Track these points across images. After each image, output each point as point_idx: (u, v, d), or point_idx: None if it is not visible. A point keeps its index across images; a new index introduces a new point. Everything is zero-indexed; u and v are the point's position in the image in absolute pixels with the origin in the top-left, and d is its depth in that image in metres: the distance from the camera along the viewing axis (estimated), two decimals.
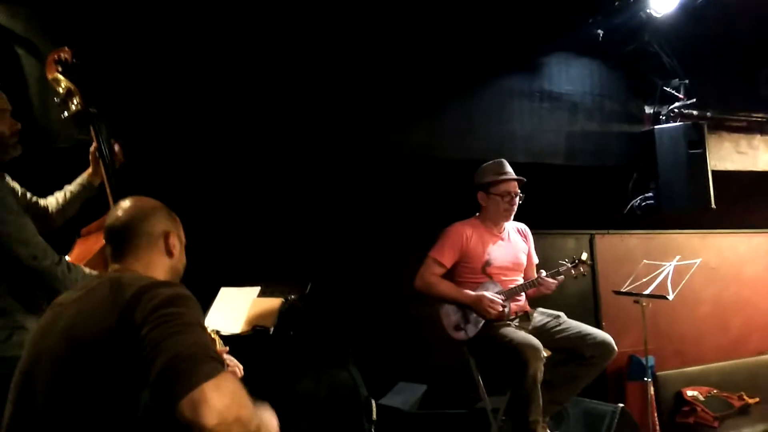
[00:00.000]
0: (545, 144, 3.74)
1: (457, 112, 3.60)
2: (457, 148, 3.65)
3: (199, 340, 1.07)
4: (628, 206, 3.91)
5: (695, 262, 3.33)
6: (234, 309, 2.77)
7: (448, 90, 3.53)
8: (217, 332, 2.27)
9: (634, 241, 4.52)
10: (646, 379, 3.73)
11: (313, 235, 3.58)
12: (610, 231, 4.43)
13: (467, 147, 3.65)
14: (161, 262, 1.38)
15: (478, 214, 3.10)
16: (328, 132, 3.35)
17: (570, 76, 3.73)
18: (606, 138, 3.88)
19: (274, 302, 2.73)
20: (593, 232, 4.36)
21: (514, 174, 3.00)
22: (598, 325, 4.23)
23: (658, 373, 4.19)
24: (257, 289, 2.79)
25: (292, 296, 2.74)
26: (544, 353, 2.68)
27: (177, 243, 1.42)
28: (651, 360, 4.17)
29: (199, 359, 1.02)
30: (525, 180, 3.01)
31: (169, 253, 1.40)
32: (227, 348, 1.94)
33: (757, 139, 4.44)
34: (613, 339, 4.05)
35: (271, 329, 2.57)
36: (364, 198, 3.69)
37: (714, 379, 4.38)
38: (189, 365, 1.01)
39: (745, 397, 4.15)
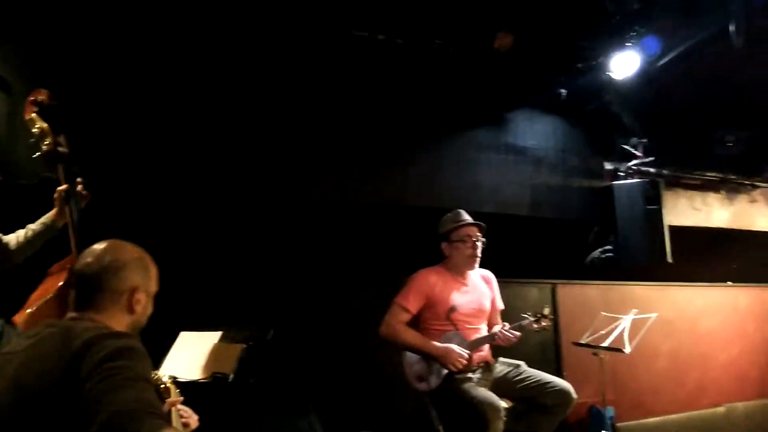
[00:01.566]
0: (510, 195, 3.84)
1: (427, 163, 3.70)
2: (427, 197, 3.73)
3: (142, 396, 1.06)
4: (589, 258, 4.01)
5: (652, 317, 3.40)
6: (193, 354, 2.70)
7: (420, 141, 3.64)
8: (174, 379, 2.21)
9: (594, 291, 4.61)
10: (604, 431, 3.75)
11: (279, 279, 3.55)
12: (572, 281, 4.52)
13: (436, 196, 3.73)
14: (121, 318, 1.37)
15: (443, 262, 3.15)
16: (298, 176, 3.39)
17: (535, 132, 3.89)
18: (568, 192, 4.02)
19: (234, 348, 2.68)
20: (555, 282, 4.44)
21: (472, 220, 3.07)
22: (559, 375, 4.26)
23: (618, 425, 4.22)
24: (218, 334, 2.74)
25: (252, 342, 2.70)
26: (505, 406, 2.68)
27: (143, 298, 1.41)
28: (610, 411, 4.22)
29: (140, 416, 1.02)
30: (484, 225, 3.08)
31: (131, 309, 1.38)
32: (182, 398, 1.89)
33: (711, 197, 4.66)
34: (574, 389, 4.10)
35: (231, 376, 2.52)
36: (332, 243, 3.71)
37: (671, 431, 4.45)
38: (129, 422, 1.00)
39: None
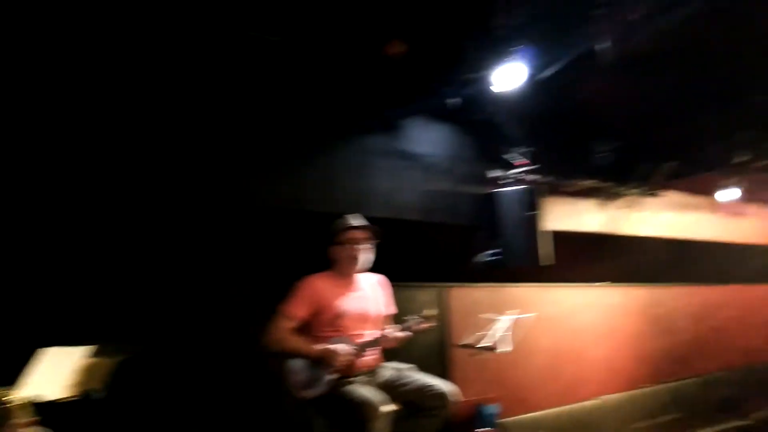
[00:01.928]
0: (403, 200, 3.89)
1: (323, 168, 3.65)
2: (323, 202, 3.67)
3: None
4: (476, 261, 4.15)
5: (529, 316, 3.59)
6: (57, 372, 2.47)
7: (315, 146, 3.58)
8: (31, 400, 2.02)
9: (483, 293, 4.80)
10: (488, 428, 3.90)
11: (162, 287, 3.33)
12: (461, 284, 4.67)
13: (330, 201, 3.69)
14: None
15: (331, 268, 3.12)
16: (186, 179, 3.20)
17: (427, 139, 3.96)
18: (458, 197, 4.15)
19: (103, 363, 2.50)
20: (446, 285, 4.57)
21: (357, 224, 3.08)
22: (447, 376, 4.40)
23: (502, 421, 4.42)
24: (87, 348, 2.53)
25: (127, 355, 2.53)
26: (387, 409, 2.69)
27: None
28: (495, 408, 4.41)
29: None
30: (373, 228, 3.09)
31: None
32: (37, 418, 1.71)
33: (588, 203, 5.02)
34: (462, 388, 4.21)
35: (99, 393, 2.34)
36: (224, 248, 3.54)
37: (550, 424, 4.73)
38: None
39: None
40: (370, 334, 3.04)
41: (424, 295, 4.50)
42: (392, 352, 3.14)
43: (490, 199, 4.17)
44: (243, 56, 3.29)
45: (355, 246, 3.06)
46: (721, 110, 4.16)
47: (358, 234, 3.09)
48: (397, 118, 3.75)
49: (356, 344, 2.92)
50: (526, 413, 4.76)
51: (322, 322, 2.97)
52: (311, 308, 2.95)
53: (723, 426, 5.31)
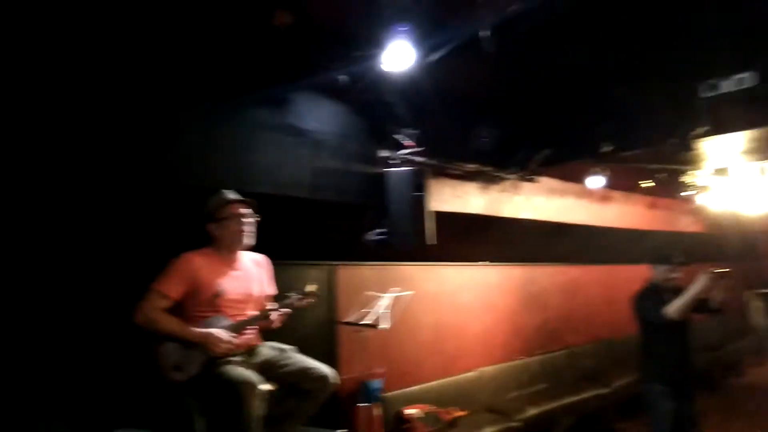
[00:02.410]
0: (289, 177, 3.81)
1: (199, 138, 3.45)
2: (199, 174, 3.49)
3: None
4: (365, 240, 4.19)
5: (409, 293, 3.70)
6: None
7: (191, 115, 3.37)
8: None
9: (371, 272, 4.87)
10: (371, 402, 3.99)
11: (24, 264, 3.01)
12: (350, 263, 4.70)
13: (210, 174, 3.52)
14: None
15: (210, 244, 2.99)
16: (54, 149, 2.90)
17: (316, 115, 3.90)
18: (347, 176, 4.14)
19: None
20: (334, 263, 4.58)
21: (235, 197, 2.99)
22: (333, 353, 4.44)
23: (385, 395, 4.54)
24: None
25: None
26: (264, 388, 2.66)
27: None
28: (378, 383, 4.51)
29: None
30: (254, 202, 3.01)
31: None
32: None
33: (471, 186, 5.24)
34: (348, 364, 4.28)
35: None
36: (94, 224, 3.26)
37: (432, 397, 4.94)
38: None
39: (454, 411, 4.74)
40: (250, 314, 2.97)
41: (312, 273, 4.48)
42: (278, 330, 3.10)
43: (379, 178, 4.22)
44: (119, 16, 3.01)
45: (241, 222, 2.96)
46: (588, 102, 4.51)
47: (244, 209, 2.99)
48: (285, 92, 3.65)
49: (234, 324, 2.84)
50: (409, 386, 4.92)
51: (200, 302, 2.85)
52: (187, 287, 2.82)
53: (586, 394, 5.83)
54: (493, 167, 5.11)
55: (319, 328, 4.44)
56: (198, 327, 2.77)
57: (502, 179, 5.38)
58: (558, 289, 6.80)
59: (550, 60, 3.99)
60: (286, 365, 2.93)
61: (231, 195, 3.01)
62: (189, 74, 3.29)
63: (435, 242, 4.32)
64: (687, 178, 6.27)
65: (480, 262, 5.93)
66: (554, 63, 4.09)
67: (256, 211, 3.00)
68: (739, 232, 8.10)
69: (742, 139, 5.02)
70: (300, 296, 3.02)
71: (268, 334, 3.12)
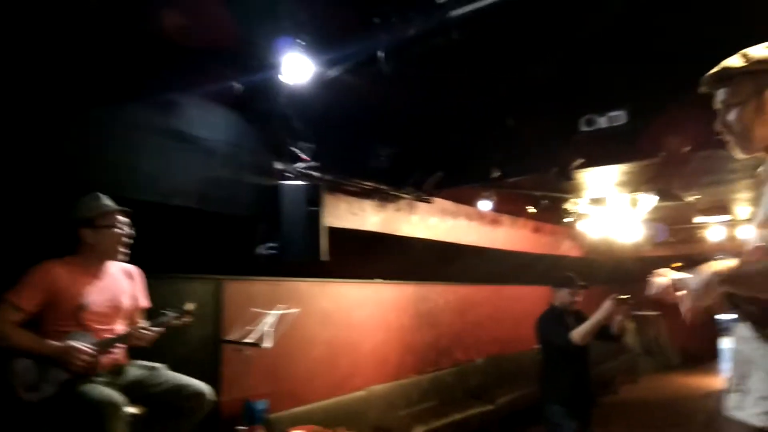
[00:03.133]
0: (176, 185, 3.61)
1: (74, 139, 3.18)
2: (71, 177, 3.20)
3: None
4: (255, 254, 4.06)
5: (295, 311, 3.63)
6: None
7: (66, 113, 3.10)
8: None
9: (263, 287, 4.73)
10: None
11: None
12: (239, 277, 4.53)
13: (84, 178, 3.24)
14: None
15: (76, 253, 2.75)
16: None
17: (208, 122, 3.74)
18: (239, 187, 4.00)
19: None
20: (222, 277, 4.39)
21: (116, 206, 2.79)
22: (218, 372, 4.23)
23: (270, 416, 4.38)
24: None
25: None
26: (129, 411, 2.46)
27: None
28: (263, 404, 4.35)
29: None
30: (126, 211, 2.83)
31: None
32: None
33: (367, 204, 5.28)
34: (233, 385, 4.09)
35: None
36: None
37: (319, 417, 4.83)
38: None
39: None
40: (118, 329, 2.76)
41: (197, 287, 4.26)
42: (155, 348, 2.89)
43: (273, 191, 4.12)
44: None
45: (119, 231, 2.77)
46: (481, 129, 4.73)
47: (122, 217, 2.80)
48: (174, 95, 3.47)
49: (99, 341, 2.62)
50: (298, 407, 4.79)
51: (61, 315, 2.60)
52: (45, 298, 2.56)
53: (472, 411, 6.00)
54: (389, 186, 5.18)
55: (202, 346, 4.21)
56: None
57: (398, 198, 5.47)
58: (449, 307, 7.00)
59: (446, 85, 4.14)
60: (157, 384, 2.75)
61: (107, 200, 2.80)
62: (67, 72, 3.03)
63: (328, 258, 4.28)
64: (568, 206, 6.75)
65: (374, 280, 5.97)
66: (450, 88, 4.25)
67: (132, 222, 2.81)
68: (613, 257, 8.83)
69: (616, 171, 5.50)
70: (177, 314, 2.85)
71: (140, 351, 2.91)
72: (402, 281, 6.27)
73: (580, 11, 3.33)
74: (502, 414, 6.32)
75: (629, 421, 7.31)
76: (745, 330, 1.60)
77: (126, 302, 2.84)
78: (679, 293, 1.72)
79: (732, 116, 1.60)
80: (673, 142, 4.29)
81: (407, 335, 6.30)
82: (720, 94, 1.65)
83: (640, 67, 3.79)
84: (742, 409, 1.60)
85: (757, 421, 1.53)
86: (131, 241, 2.84)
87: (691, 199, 5.79)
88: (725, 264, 1.51)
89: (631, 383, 9.83)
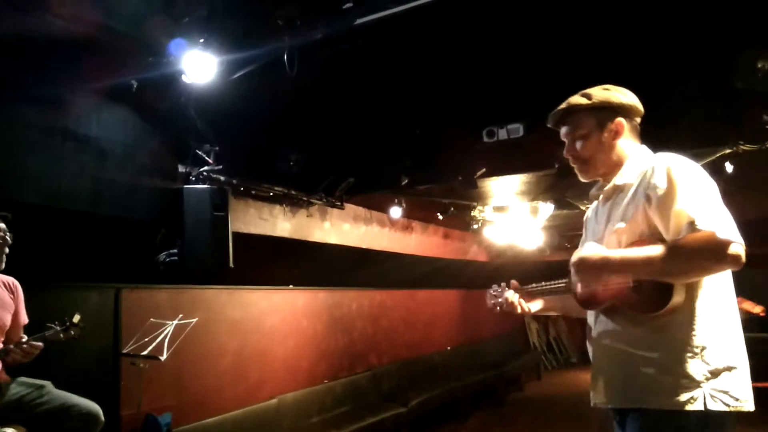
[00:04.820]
0: (65, 187, 3.37)
1: None
2: None
3: None
4: (155, 261, 3.88)
5: (193, 321, 3.51)
6: None
7: None
8: None
9: (165, 295, 4.52)
10: None
11: None
12: (139, 285, 4.31)
13: None
14: None
15: None
16: None
17: (101, 121, 3.54)
18: (136, 190, 3.81)
19: None
20: (120, 285, 4.16)
21: None
22: (115, 387, 3.99)
23: (175, 430, 4.19)
24: None
25: None
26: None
27: None
28: (167, 417, 4.16)
29: None
30: (9, 216, 2.62)
31: None
32: None
33: (278, 209, 5.21)
34: (133, 399, 3.87)
35: None
36: None
37: (229, 428, 4.69)
38: None
39: None
40: None
41: (92, 296, 4.00)
42: (44, 362, 2.68)
43: (176, 195, 3.96)
44: None
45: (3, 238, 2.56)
46: (390, 136, 4.82)
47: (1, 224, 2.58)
48: (60, 91, 3.24)
49: None
50: (205, 419, 4.62)
51: None
52: None
53: (386, 414, 6.05)
54: (300, 192, 5.14)
55: (99, 359, 3.96)
56: None
57: (309, 204, 5.44)
58: (363, 312, 7.05)
59: (356, 91, 4.18)
60: (42, 404, 2.56)
61: None
62: None
63: (233, 265, 4.17)
64: (475, 213, 7.02)
65: (285, 287, 5.89)
66: (360, 94, 4.30)
67: (10, 227, 2.60)
68: (516, 261, 9.29)
69: (516, 181, 5.79)
70: (62, 328, 2.67)
71: (31, 367, 2.69)
72: (315, 287, 6.23)
73: (484, 25, 3.50)
74: (414, 415, 6.43)
75: (535, 416, 7.69)
76: (609, 323, 1.77)
77: (6, 319, 2.63)
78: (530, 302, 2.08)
79: (578, 146, 1.84)
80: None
81: (320, 341, 6.26)
82: (565, 128, 1.89)
83: (535, 84, 4.04)
84: (604, 395, 1.77)
85: (625, 404, 1.69)
86: (7, 249, 2.61)
87: (583, 207, 6.20)
88: (612, 251, 1.69)
89: (536, 380, 10.36)
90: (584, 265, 1.70)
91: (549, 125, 1.95)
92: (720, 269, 1.58)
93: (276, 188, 4.85)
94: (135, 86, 3.37)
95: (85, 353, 3.77)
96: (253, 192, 4.75)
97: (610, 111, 1.82)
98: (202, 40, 3.08)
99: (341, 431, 5.37)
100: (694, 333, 1.57)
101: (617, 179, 1.80)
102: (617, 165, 1.82)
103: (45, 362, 2.76)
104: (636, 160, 1.79)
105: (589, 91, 1.85)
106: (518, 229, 7.64)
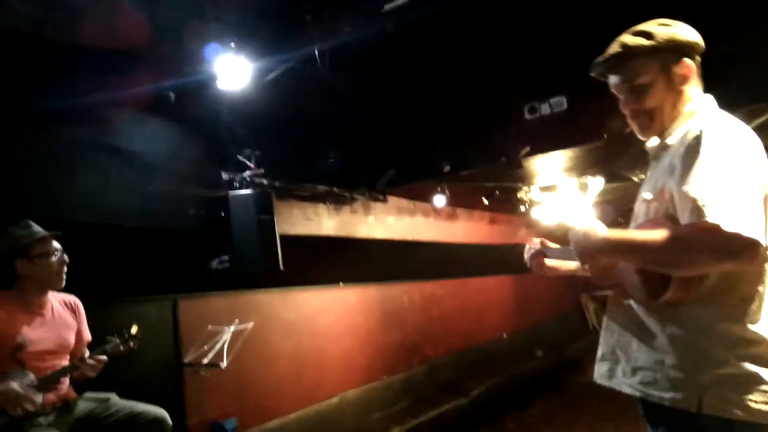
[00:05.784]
0: (114, 204, 3.44)
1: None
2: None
3: None
4: (207, 269, 3.92)
5: (249, 325, 3.51)
6: None
7: None
8: None
9: (220, 302, 4.57)
10: None
11: None
12: (195, 294, 4.37)
13: (12, 202, 3.05)
14: None
15: (13, 286, 2.58)
16: None
17: (144, 135, 3.59)
18: (183, 201, 3.86)
19: None
20: (177, 296, 4.22)
21: (46, 233, 2.63)
22: (179, 396, 4.06)
23: None
24: None
25: None
26: None
27: None
28: (233, 422, 4.21)
29: None
30: (61, 235, 2.67)
31: None
32: None
33: (321, 208, 5.19)
34: (198, 407, 3.94)
35: None
36: None
37: (293, 429, 4.73)
38: None
39: None
40: (61, 364, 2.60)
41: (151, 309, 4.08)
42: (109, 376, 2.74)
43: (221, 202, 3.99)
44: None
45: (59, 259, 2.61)
46: (428, 124, 4.72)
47: (53, 244, 2.62)
48: (106, 108, 3.30)
49: (40, 379, 2.45)
50: (269, 421, 4.67)
51: None
52: None
53: (447, 406, 5.99)
54: (342, 188, 5.11)
55: (161, 369, 4.04)
56: None
57: (352, 200, 5.41)
58: (414, 304, 6.98)
59: (389, 81, 4.11)
60: (109, 416, 2.61)
61: (39, 227, 2.63)
62: None
63: (284, 267, 4.17)
64: (521, 195, 6.83)
65: (336, 284, 5.88)
66: (393, 85, 4.22)
67: (69, 245, 2.66)
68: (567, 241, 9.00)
69: (562, 157, 5.59)
70: (121, 340, 2.71)
71: (98, 382, 2.75)
72: (364, 283, 6.20)
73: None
74: (476, 406, 6.33)
75: (600, 400, 7.44)
76: (619, 298, 1.64)
77: (70, 338, 2.69)
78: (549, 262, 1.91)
79: (640, 97, 1.57)
80: (614, 124, 4.39)
81: (375, 337, 6.23)
82: (618, 77, 1.61)
83: (575, 52, 3.85)
84: (612, 377, 1.63)
85: (631, 391, 1.55)
86: (65, 268, 2.67)
87: (636, 179, 5.93)
88: (615, 231, 1.53)
89: None
90: (578, 242, 1.56)
91: (593, 74, 1.67)
92: (729, 266, 1.34)
93: (318, 187, 4.84)
94: (173, 97, 3.39)
95: (148, 365, 3.85)
96: (296, 192, 4.75)
97: (676, 51, 1.54)
98: (233, 45, 3.06)
99: (404, 426, 5.33)
100: (712, 330, 1.38)
101: (668, 138, 1.54)
102: (684, 117, 1.55)
103: (110, 376, 2.82)
104: (692, 116, 1.54)
105: (643, 28, 1.57)
106: (567, 208, 7.39)
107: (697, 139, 1.38)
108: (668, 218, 1.42)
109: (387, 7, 3.06)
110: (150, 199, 3.60)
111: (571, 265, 1.91)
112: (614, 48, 1.60)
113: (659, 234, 1.35)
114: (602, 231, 1.53)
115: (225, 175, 4.00)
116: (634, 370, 1.54)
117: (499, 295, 9.04)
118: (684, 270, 1.36)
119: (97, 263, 3.15)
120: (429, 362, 6.88)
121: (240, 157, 3.96)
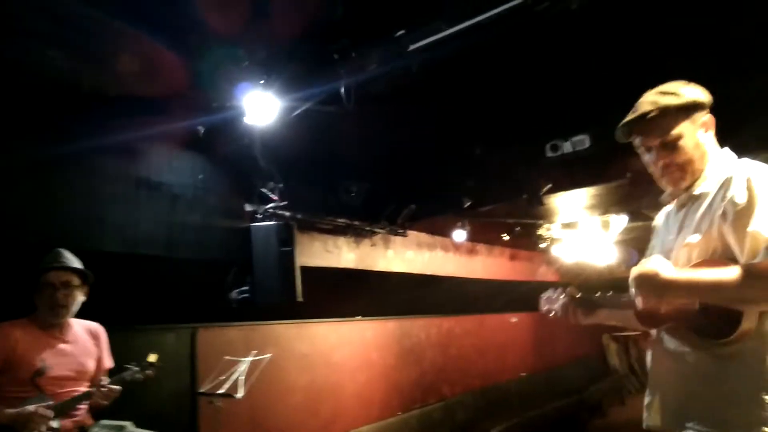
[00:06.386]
0: (141, 233, 3.51)
1: (32, 190, 3.08)
2: (31, 232, 3.09)
3: None
4: (227, 299, 3.95)
5: (267, 357, 3.51)
6: None
7: (24, 167, 3.01)
8: None
9: (237, 333, 4.57)
10: None
11: None
12: (213, 324, 4.39)
13: (45, 231, 3.13)
14: None
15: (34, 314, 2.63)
16: None
17: (172, 167, 3.68)
18: (207, 231, 3.92)
19: None
20: (196, 325, 4.25)
21: (65, 263, 2.64)
22: (194, 427, 4.04)
23: None
24: None
25: None
26: None
27: None
28: None
29: None
30: (78, 269, 2.67)
31: None
32: None
33: (342, 240, 5.22)
34: None
35: None
36: None
37: None
38: None
39: None
40: (79, 390, 2.61)
41: (170, 337, 4.10)
42: (126, 404, 2.74)
43: (244, 233, 4.04)
44: None
45: (55, 292, 2.58)
46: (450, 159, 4.76)
47: (60, 276, 2.61)
48: (137, 141, 3.41)
49: (58, 404, 2.46)
50: None
51: (17, 381, 2.45)
52: (1, 362, 2.42)
53: None
54: (363, 222, 5.14)
55: (177, 399, 4.03)
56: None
57: (372, 233, 5.43)
58: (431, 340, 6.88)
59: (413, 118, 4.17)
60: None
61: (58, 257, 2.66)
62: (17, 116, 2.95)
63: (302, 299, 4.18)
64: (542, 231, 6.79)
65: (353, 318, 5.85)
66: (416, 121, 4.28)
67: (86, 280, 2.68)
68: (587, 280, 8.87)
69: (585, 195, 5.57)
70: (140, 368, 2.72)
71: (115, 409, 2.76)
72: (382, 317, 6.16)
73: (536, 39, 3.42)
74: None
75: None
76: (672, 343, 1.63)
77: (89, 365, 2.70)
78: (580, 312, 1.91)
79: (675, 150, 1.64)
80: (639, 163, 4.36)
81: (391, 372, 6.15)
82: (647, 136, 1.68)
83: (599, 91, 3.88)
84: (651, 417, 1.63)
85: (656, 428, 1.58)
86: (63, 304, 2.64)
87: None
88: (683, 271, 1.55)
89: (619, 405, 9.73)
90: (646, 283, 1.55)
91: (620, 136, 1.74)
92: None
93: (339, 220, 4.88)
94: (201, 132, 3.48)
95: (164, 393, 3.85)
96: (317, 225, 4.79)
97: (700, 107, 1.65)
98: (262, 82, 3.15)
99: None
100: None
101: (697, 188, 1.64)
102: (713, 166, 1.66)
103: (127, 403, 2.82)
104: (717, 165, 1.64)
105: (668, 89, 1.67)
106: (589, 246, 7.32)
107: (747, 182, 1.48)
108: (725, 257, 1.49)
109: (412, 46, 3.14)
110: (177, 229, 3.67)
111: (609, 313, 1.92)
112: (646, 107, 1.67)
113: (730, 272, 1.41)
114: (670, 271, 1.54)
115: (248, 207, 4.06)
116: (685, 408, 1.55)
117: (518, 334, 8.88)
118: (759, 305, 1.43)
119: (123, 291, 3.19)
120: (446, 401, 6.75)
121: (264, 190, 4.02)
